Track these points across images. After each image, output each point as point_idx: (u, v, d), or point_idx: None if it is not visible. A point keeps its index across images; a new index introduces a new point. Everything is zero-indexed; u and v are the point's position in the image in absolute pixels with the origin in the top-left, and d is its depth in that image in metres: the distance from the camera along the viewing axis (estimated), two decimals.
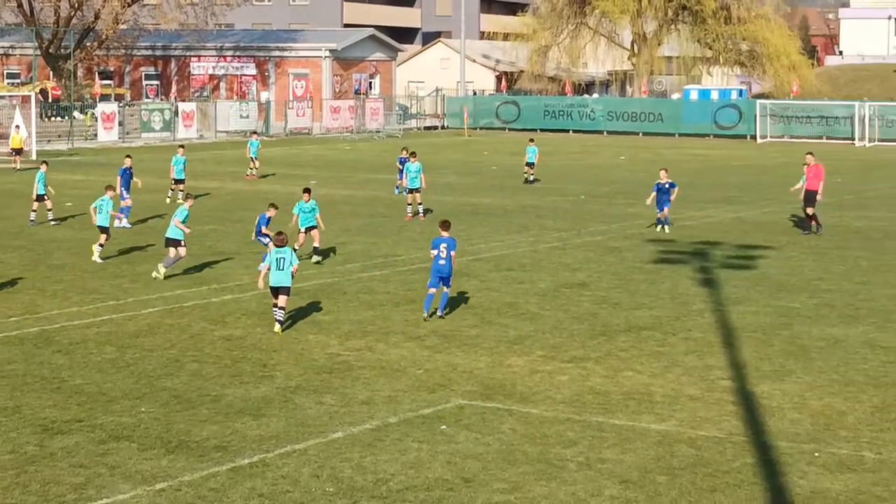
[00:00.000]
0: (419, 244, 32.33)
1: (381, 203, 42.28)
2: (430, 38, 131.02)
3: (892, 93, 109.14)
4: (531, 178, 49.27)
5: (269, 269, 21.86)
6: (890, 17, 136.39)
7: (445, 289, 22.86)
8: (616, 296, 25.20)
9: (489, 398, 17.47)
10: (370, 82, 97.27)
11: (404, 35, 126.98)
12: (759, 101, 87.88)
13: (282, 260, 21.52)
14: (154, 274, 26.69)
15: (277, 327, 21.75)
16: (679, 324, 22.47)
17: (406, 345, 20.72)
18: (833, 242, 33.07)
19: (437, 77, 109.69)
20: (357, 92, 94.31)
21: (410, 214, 37.62)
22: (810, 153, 37.05)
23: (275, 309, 21.88)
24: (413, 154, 40.17)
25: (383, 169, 56.51)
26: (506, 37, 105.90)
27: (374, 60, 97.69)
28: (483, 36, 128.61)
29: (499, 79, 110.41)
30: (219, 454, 14.98)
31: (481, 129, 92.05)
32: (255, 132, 60.02)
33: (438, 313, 22.72)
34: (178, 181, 41.99)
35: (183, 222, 27.02)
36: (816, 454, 15.01)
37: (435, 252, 22.59)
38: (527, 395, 17.63)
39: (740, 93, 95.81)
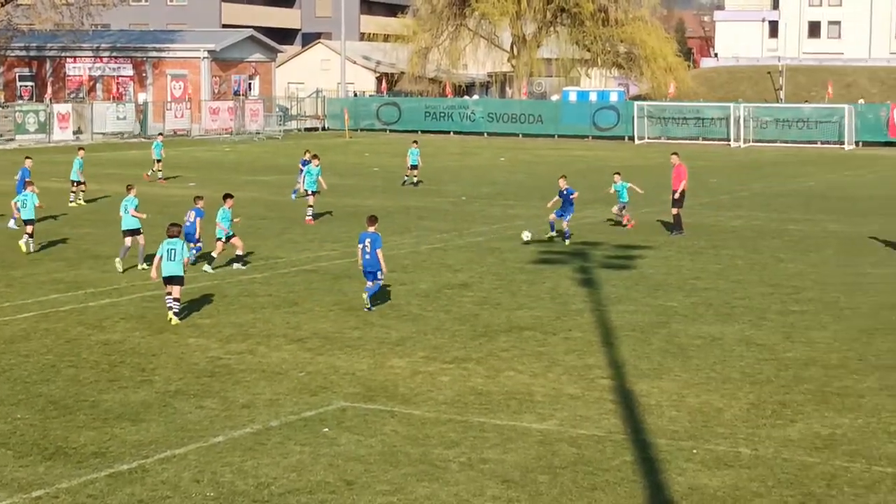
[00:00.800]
0: (301, 246, 32.22)
1: (262, 205, 42.02)
2: (309, 39, 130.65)
3: (765, 94, 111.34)
4: (415, 180, 49.27)
5: (160, 260, 22.21)
6: (763, 20, 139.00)
7: (370, 283, 23.59)
8: (497, 296, 25.32)
9: (371, 400, 17.44)
10: (249, 83, 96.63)
11: (284, 36, 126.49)
12: (636, 103, 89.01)
13: (173, 251, 22.11)
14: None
15: (172, 317, 22.04)
16: (559, 323, 22.64)
17: (287, 347, 20.61)
18: (709, 242, 33.58)
19: (318, 78, 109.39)
20: (236, 93, 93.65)
21: (310, 217, 37.31)
22: (675, 153, 37.81)
23: (168, 299, 22.23)
24: (315, 156, 39.80)
25: (263, 171, 56.21)
26: (386, 38, 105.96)
27: (253, 61, 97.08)
28: (363, 37, 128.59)
29: (379, 80, 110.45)
30: (97, 460, 14.76)
31: (362, 130, 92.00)
32: (160, 133, 59.17)
33: (367, 307, 23.45)
34: (77, 182, 41.92)
35: (136, 209, 28.71)
36: (694, 451, 15.22)
37: (361, 247, 23.52)
38: (409, 397, 17.63)
39: (619, 94, 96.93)
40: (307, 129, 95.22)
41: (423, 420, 16.47)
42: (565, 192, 33.28)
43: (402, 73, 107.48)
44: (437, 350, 20.44)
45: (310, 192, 37.97)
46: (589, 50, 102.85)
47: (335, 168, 55.83)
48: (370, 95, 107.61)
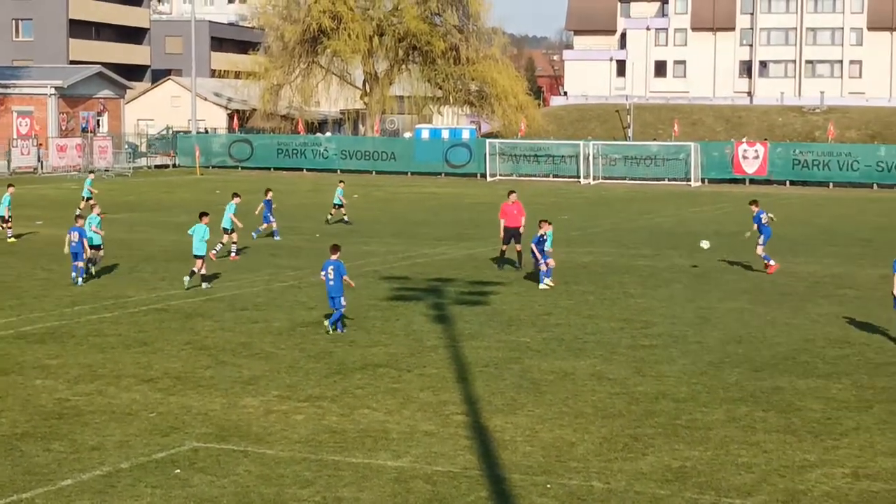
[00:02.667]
0: (151, 285, 31.78)
1: (111, 243, 41.31)
2: (160, 75, 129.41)
3: (614, 132, 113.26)
4: (345, 218, 48.88)
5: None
6: (611, 59, 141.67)
7: (336, 309, 25.19)
8: (351, 333, 25.24)
9: (224, 440, 17.23)
10: (98, 120, 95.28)
11: (133, 72, 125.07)
12: (488, 140, 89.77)
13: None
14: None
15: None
16: (414, 360, 22.65)
17: (138, 388, 20.27)
18: (561, 278, 33.90)
19: (168, 115, 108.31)
20: (84, 130, 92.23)
21: (234, 254, 37.54)
22: (513, 191, 38.28)
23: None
24: (235, 194, 39.58)
25: (112, 208, 55.36)
26: (237, 75, 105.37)
27: (101, 98, 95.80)
28: (214, 74, 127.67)
29: (231, 117, 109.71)
30: None
31: (214, 167, 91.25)
32: (91, 171, 59.69)
33: (330, 330, 25.13)
34: (5, 219, 43.32)
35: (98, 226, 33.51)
36: (548, 486, 15.31)
37: (324, 274, 25.26)
38: (262, 436, 17.46)
39: (470, 132, 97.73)
40: (157, 167, 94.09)
41: (276, 460, 16.31)
42: (543, 237, 32.23)
43: (254, 109, 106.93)
44: (291, 388, 20.29)
45: (227, 231, 37.69)
46: (441, 88, 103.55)
47: (186, 206, 55.25)
48: (222, 132, 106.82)
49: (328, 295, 25.38)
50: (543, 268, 32.26)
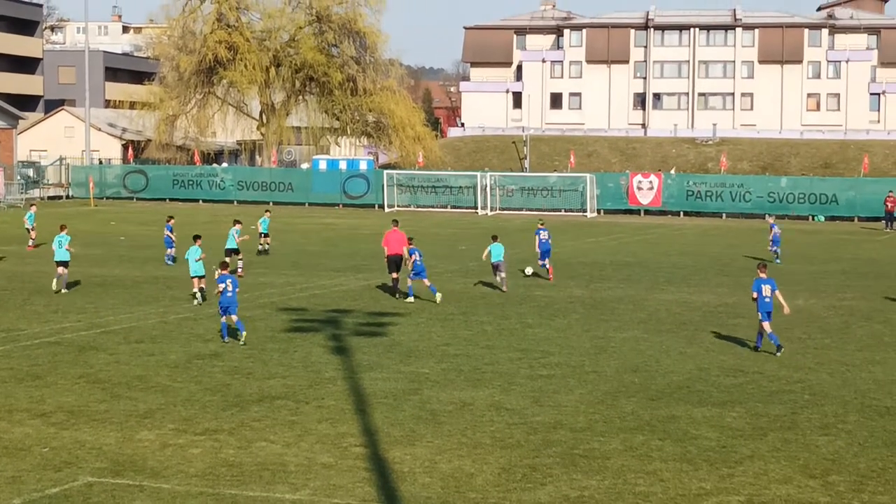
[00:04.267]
0: (44, 318, 31.30)
1: (2, 275, 40.69)
2: (53, 105, 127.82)
3: (511, 163, 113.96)
4: (266, 247, 49.19)
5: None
6: (508, 91, 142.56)
7: (227, 318, 27.91)
8: (249, 365, 25.06)
9: (119, 474, 16.99)
10: None
11: (26, 102, 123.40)
12: (386, 172, 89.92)
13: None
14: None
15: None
16: (312, 392, 22.53)
17: (31, 422, 19.92)
18: (459, 308, 34.00)
19: (62, 146, 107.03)
20: None
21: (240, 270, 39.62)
22: (395, 220, 39.54)
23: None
24: (237, 221, 43.22)
25: (4, 240, 54.51)
26: (132, 105, 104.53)
27: None
28: (109, 104, 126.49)
29: (125, 147, 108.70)
30: None
31: (108, 198, 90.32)
32: (33, 204, 58.73)
33: (241, 340, 27.42)
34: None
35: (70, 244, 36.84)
36: None
37: (222, 286, 27.78)
38: (158, 470, 17.24)
39: (368, 163, 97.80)
40: (51, 198, 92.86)
41: (173, 494, 16.11)
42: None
43: (149, 140, 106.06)
44: (187, 422, 20.07)
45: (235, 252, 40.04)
46: (338, 119, 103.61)
47: (80, 237, 54.49)
48: (116, 163, 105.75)
49: (221, 307, 27.95)
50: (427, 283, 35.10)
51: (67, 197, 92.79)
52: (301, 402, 21.63)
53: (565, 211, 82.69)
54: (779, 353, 26.90)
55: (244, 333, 27.61)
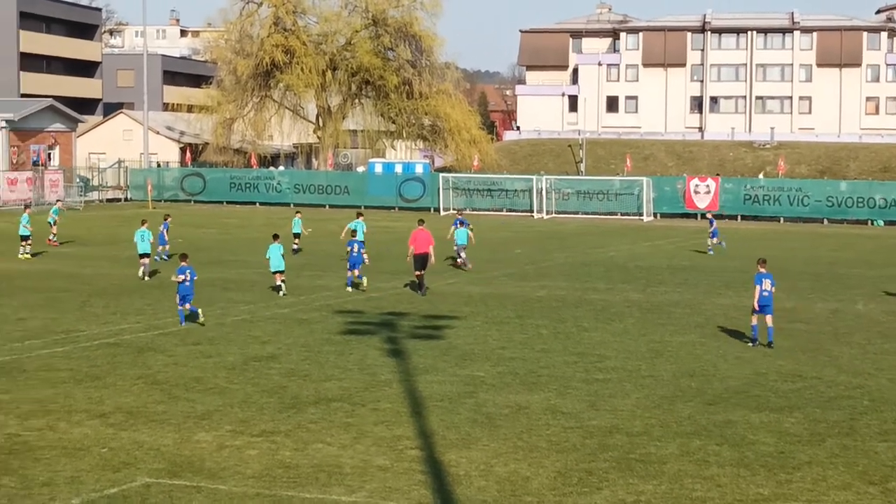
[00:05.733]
0: (103, 319, 31.56)
1: (62, 277, 41.09)
2: (111, 109, 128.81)
3: (566, 167, 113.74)
4: (298, 247, 50.75)
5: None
6: (563, 94, 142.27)
7: (186, 306, 30.68)
8: (305, 368, 25.15)
9: (176, 475, 17.10)
10: (49, 153, 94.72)
11: (85, 106, 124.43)
12: (441, 175, 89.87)
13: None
14: None
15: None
16: (368, 394, 22.58)
17: (90, 423, 20.10)
18: (515, 312, 33.98)
19: (121, 148, 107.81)
20: (35, 163, 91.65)
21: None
22: (422, 220, 41.31)
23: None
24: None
25: (63, 242, 55.03)
26: (190, 108, 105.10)
27: (53, 131, 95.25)
28: (167, 107, 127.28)
29: (183, 150, 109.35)
30: None
31: (166, 201, 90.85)
32: (59, 200, 62.99)
33: (200, 320, 30.46)
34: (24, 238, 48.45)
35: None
36: None
37: (182, 277, 30.50)
38: (215, 471, 17.34)
39: (424, 166, 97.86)
40: (109, 200, 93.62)
41: (230, 495, 16.20)
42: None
43: (207, 143, 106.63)
44: (244, 423, 20.18)
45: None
46: (394, 122, 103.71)
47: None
48: (174, 166, 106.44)
49: (182, 293, 30.78)
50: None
51: (126, 199, 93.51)
52: (357, 405, 21.68)
53: (621, 214, 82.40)
54: (753, 345, 28.33)
55: (201, 311, 30.79)
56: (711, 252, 53.83)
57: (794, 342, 29.23)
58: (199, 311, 30.76)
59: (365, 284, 38.38)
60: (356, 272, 38.56)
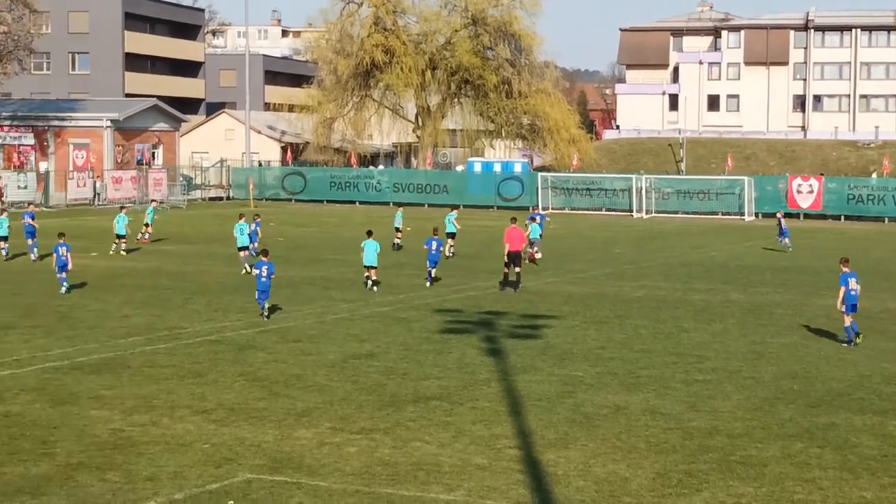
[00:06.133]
0: (205, 316, 31.95)
1: (165, 275, 41.67)
2: (214, 108, 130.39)
3: (666, 166, 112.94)
4: (399, 241, 51.88)
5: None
6: (664, 93, 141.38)
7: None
8: (404, 366, 25.26)
9: (277, 471, 17.27)
10: (153, 152, 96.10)
11: (188, 105, 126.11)
12: (540, 174, 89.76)
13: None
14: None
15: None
16: (466, 393, 22.62)
17: (192, 419, 20.36)
18: (614, 312, 33.84)
19: (222, 148, 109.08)
20: (140, 162, 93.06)
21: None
22: (514, 218, 41.94)
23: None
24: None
25: (166, 240, 55.80)
26: (291, 108, 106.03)
27: (157, 130, 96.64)
28: (268, 107, 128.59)
29: (284, 150, 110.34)
30: None
31: (267, 200, 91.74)
32: (154, 200, 65.88)
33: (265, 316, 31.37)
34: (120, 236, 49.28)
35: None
36: None
37: (257, 271, 31.49)
38: (315, 468, 17.48)
39: (523, 166, 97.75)
40: (211, 199, 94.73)
41: (329, 492, 16.32)
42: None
43: (307, 142, 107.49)
44: (343, 420, 20.31)
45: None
46: (493, 121, 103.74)
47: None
48: (275, 165, 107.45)
49: (259, 289, 31.43)
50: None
51: (228, 198, 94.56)
52: (456, 404, 21.73)
53: (722, 214, 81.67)
54: (852, 345, 28.19)
55: (268, 306, 31.76)
56: (790, 249, 54.49)
57: None
58: (267, 305, 31.69)
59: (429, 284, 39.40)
60: (433, 271, 39.82)
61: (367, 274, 38.03)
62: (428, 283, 39.40)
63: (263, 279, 31.25)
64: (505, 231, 39.54)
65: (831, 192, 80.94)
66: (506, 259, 39.03)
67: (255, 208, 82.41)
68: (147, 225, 54.90)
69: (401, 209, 54.35)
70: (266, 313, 31.48)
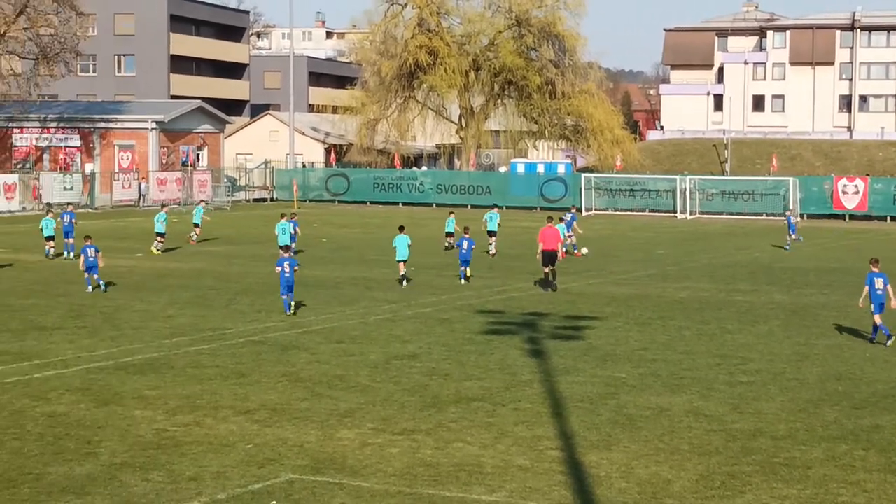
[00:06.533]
0: (249, 317, 32.08)
1: (210, 275, 41.87)
2: (258, 110, 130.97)
3: (711, 167, 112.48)
4: (450, 243, 52.40)
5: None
6: (709, 94, 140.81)
7: (287, 296, 32.35)
8: (446, 367, 25.27)
9: (319, 472, 17.31)
10: (198, 154, 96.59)
11: (233, 107, 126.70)
12: (584, 175, 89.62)
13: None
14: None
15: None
16: (508, 394, 22.60)
17: (235, 419, 20.44)
18: (657, 313, 33.73)
19: (266, 149, 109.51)
20: (184, 163, 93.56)
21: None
22: (550, 217, 43.03)
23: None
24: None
25: (211, 241, 56.06)
26: (335, 109, 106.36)
27: (201, 132, 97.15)
28: (312, 108, 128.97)
29: (328, 151, 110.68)
30: None
31: (311, 201, 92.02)
32: (203, 200, 66.97)
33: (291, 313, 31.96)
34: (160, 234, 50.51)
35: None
36: None
37: (280, 269, 32.17)
38: (357, 469, 17.51)
39: (566, 166, 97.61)
40: (255, 200, 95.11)
41: (372, 492, 16.35)
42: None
43: (351, 144, 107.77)
44: (385, 421, 20.34)
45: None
46: (536, 122, 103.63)
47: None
48: (319, 166, 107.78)
49: (285, 285, 32.18)
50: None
51: (272, 199, 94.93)
52: (497, 405, 21.71)
53: (767, 215, 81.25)
54: (889, 343, 28.40)
55: (293, 303, 32.51)
56: (788, 248, 56.08)
57: None
58: (292, 303, 32.48)
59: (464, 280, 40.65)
60: (467, 269, 40.80)
61: (402, 270, 39.38)
62: (462, 281, 40.37)
63: (287, 274, 32.10)
64: (540, 230, 39.95)
65: (877, 192, 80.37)
66: (540, 259, 39.37)
67: (297, 209, 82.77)
68: (196, 225, 55.45)
69: (452, 214, 55.03)
70: (292, 311, 32.28)
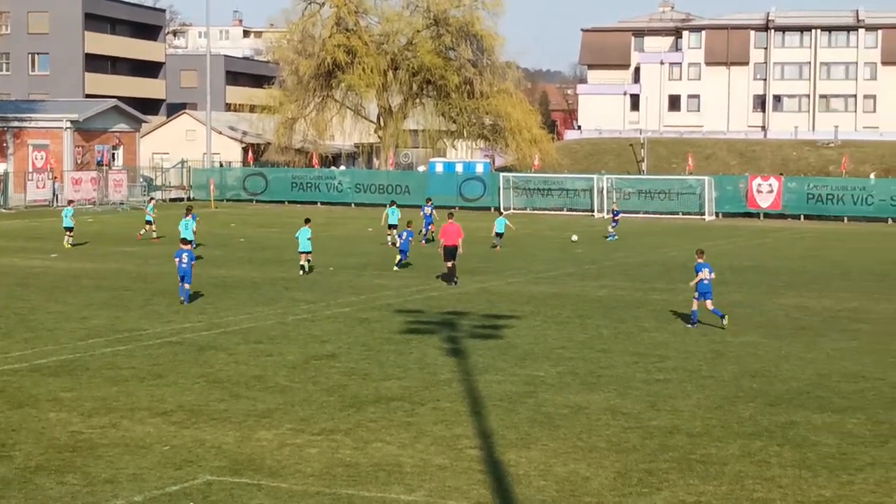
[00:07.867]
0: (165, 318, 31.82)
1: (126, 276, 41.48)
2: (175, 109, 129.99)
3: (628, 166, 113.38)
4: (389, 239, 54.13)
5: None
6: (625, 93, 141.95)
7: (187, 286, 34.29)
8: (365, 367, 25.23)
9: (238, 473, 17.21)
10: (113, 153, 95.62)
11: (149, 106, 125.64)
12: (502, 174, 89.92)
13: None
14: None
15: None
16: (427, 394, 22.61)
17: (152, 421, 20.26)
18: (575, 311, 33.91)
19: (183, 148, 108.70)
20: (100, 163, 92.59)
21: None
22: (451, 213, 44.24)
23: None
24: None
25: (127, 241, 55.52)
26: (252, 109, 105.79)
27: (117, 131, 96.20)
28: (229, 108, 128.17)
29: (246, 150, 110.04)
30: None
31: (228, 200, 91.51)
32: (152, 198, 67.04)
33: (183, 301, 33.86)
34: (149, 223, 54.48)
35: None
36: None
37: (178, 260, 34.25)
38: (276, 470, 17.43)
39: (485, 166, 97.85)
40: (172, 200, 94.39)
41: (290, 493, 16.28)
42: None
43: (269, 143, 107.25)
44: (304, 422, 20.27)
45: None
46: (455, 121, 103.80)
47: (200, 238, 55.29)
48: (236, 166, 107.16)
49: (181, 274, 34.22)
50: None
51: (189, 199, 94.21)
52: (417, 404, 21.72)
53: (682, 214, 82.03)
54: (724, 322, 30.99)
55: (188, 292, 34.35)
56: (611, 238, 60.88)
57: (858, 343, 28.99)
58: (189, 293, 34.56)
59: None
60: (404, 259, 44.35)
61: (302, 260, 42.15)
62: (395, 268, 43.72)
63: (184, 265, 34.23)
64: (442, 226, 41.55)
65: (791, 191, 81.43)
66: (441, 252, 40.92)
67: (215, 209, 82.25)
68: (149, 223, 56.60)
69: (395, 205, 57.24)
70: (183, 298, 34.22)
